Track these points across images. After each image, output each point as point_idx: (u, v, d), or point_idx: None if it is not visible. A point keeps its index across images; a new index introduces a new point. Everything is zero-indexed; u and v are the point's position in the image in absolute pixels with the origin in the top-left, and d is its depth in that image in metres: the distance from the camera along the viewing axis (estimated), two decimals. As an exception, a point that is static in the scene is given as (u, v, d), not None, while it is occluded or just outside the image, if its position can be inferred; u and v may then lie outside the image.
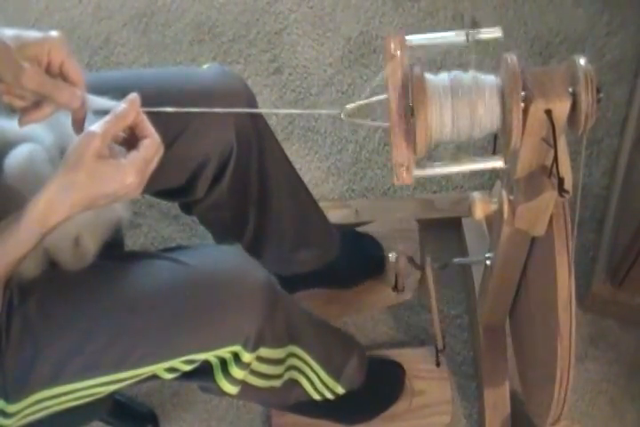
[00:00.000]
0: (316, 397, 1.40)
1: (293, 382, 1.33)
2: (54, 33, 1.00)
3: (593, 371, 1.62)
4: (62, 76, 1.00)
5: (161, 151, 1.00)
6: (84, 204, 0.96)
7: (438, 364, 1.55)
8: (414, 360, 1.59)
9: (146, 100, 1.03)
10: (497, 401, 1.54)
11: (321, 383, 1.37)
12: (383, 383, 1.53)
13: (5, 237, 0.96)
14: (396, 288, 1.58)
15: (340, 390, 1.41)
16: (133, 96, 0.98)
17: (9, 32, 1.00)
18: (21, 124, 1.02)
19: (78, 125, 1.02)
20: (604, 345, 1.65)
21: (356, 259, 1.62)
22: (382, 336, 1.68)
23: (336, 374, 1.39)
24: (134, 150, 0.98)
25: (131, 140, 0.99)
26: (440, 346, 1.49)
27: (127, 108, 0.97)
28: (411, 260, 1.48)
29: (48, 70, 1.00)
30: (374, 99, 1.03)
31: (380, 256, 1.63)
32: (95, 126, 0.95)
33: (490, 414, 1.53)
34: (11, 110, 1.07)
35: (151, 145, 0.99)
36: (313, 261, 1.55)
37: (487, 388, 1.54)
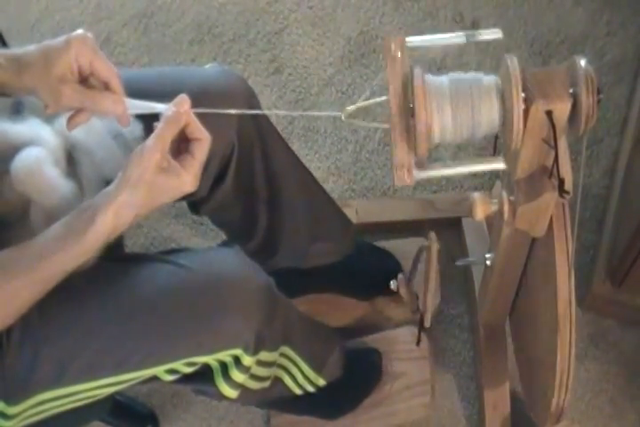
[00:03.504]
0: (298, 391, 1.39)
1: (276, 379, 1.33)
2: (76, 33, 1.00)
3: (593, 371, 1.62)
4: (95, 75, 1.01)
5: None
6: (146, 213, 1.00)
7: (418, 342, 1.52)
8: (393, 342, 1.57)
9: (146, 100, 1.03)
10: (497, 401, 1.53)
11: (303, 378, 1.37)
12: (360, 372, 1.51)
13: (70, 245, 0.98)
14: (416, 311, 1.55)
15: (322, 382, 1.40)
16: (182, 98, 0.99)
17: (34, 50, 1.00)
18: (70, 128, 1.03)
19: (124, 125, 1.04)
20: (604, 345, 1.65)
21: (374, 272, 1.60)
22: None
23: (319, 368, 1.39)
24: (189, 155, 0.99)
25: (179, 140, 1.00)
26: (427, 324, 1.43)
27: (177, 111, 0.98)
28: (408, 283, 1.46)
29: (81, 76, 1.01)
30: (375, 100, 1.03)
31: (397, 273, 1.61)
32: (151, 140, 0.96)
33: (490, 414, 1.53)
34: (14, 114, 1.08)
35: (205, 147, 1.00)
36: (330, 254, 1.54)
37: (487, 388, 1.54)
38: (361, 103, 1.05)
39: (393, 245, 1.65)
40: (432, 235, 1.28)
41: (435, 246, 1.28)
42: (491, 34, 1.04)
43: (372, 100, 1.05)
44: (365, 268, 1.59)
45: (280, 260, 1.48)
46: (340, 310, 1.62)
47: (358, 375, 1.51)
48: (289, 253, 1.49)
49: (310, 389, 1.40)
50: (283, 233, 1.46)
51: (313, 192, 1.48)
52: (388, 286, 1.58)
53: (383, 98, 1.02)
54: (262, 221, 1.42)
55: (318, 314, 1.48)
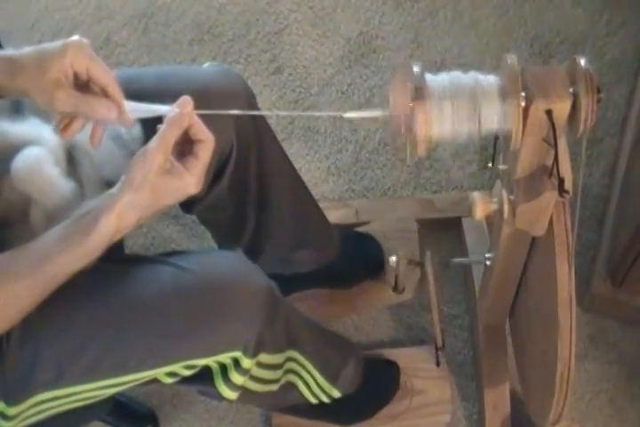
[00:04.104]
0: (313, 400, 1.39)
1: (290, 386, 1.33)
2: (72, 40, 1.00)
3: (593, 371, 1.62)
4: (92, 81, 1.00)
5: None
6: (149, 215, 0.99)
7: (438, 363, 1.55)
8: (414, 360, 1.58)
9: (145, 99, 1.03)
10: (497, 401, 1.53)
11: (317, 387, 1.37)
12: (377, 383, 1.52)
13: (72, 247, 0.98)
14: (396, 289, 1.57)
15: (337, 393, 1.40)
16: (185, 99, 0.98)
17: (29, 52, 0.99)
18: (64, 137, 1.04)
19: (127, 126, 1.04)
20: (604, 345, 1.65)
21: (356, 259, 1.61)
22: (382, 336, 1.68)
23: (333, 379, 1.38)
24: (192, 157, 0.99)
25: (183, 141, 0.99)
26: (439, 344, 1.48)
27: (181, 113, 0.97)
28: (410, 262, 1.47)
29: (77, 82, 1.00)
30: (375, 113, 1.02)
31: (380, 256, 1.63)
32: (154, 141, 0.96)
33: (490, 414, 1.53)
34: (15, 113, 1.08)
35: (208, 149, 1.00)
36: (312, 261, 1.55)
37: (487, 388, 1.54)
38: (363, 113, 1.04)
39: (373, 227, 1.66)
40: (427, 255, 1.31)
41: (429, 268, 1.31)
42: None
43: (371, 112, 1.03)
44: (348, 256, 1.59)
45: (262, 265, 1.48)
46: (329, 302, 1.64)
47: (374, 385, 1.51)
48: (271, 259, 1.49)
49: (325, 399, 1.40)
50: (268, 238, 1.45)
51: (301, 198, 1.48)
52: (373, 270, 1.59)
53: (381, 112, 1.01)
54: (251, 224, 1.42)
55: (311, 310, 1.48)
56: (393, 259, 1.47)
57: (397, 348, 1.62)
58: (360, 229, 1.68)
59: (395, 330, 1.68)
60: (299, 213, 1.47)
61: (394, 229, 1.55)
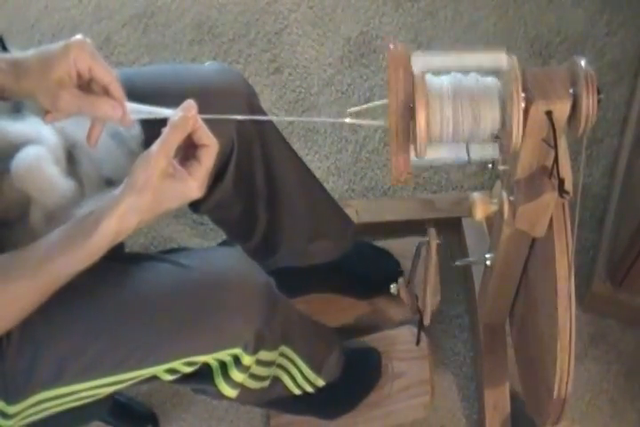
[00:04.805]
0: (297, 391, 1.39)
1: (276, 380, 1.33)
2: (74, 39, 1.00)
3: (593, 371, 1.62)
4: (94, 80, 1.01)
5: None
6: (151, 219, 0.99)
7: (418, 342, 1.52)
8: (393, 341, 1.57)
9: (146, 98, 1.03)
10: (497, 401, 1.53)
11: (302, 378, 1.37)
12: (359, 372, 1.51)
13: (74, 249, 0.98)
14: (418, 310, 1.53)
15: (321, 382, 1.40)
16: (189, 103, 0.98)
17: (33, 54, 1.00)
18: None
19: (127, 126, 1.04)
20: (604, 345, 1.65)
21: (373, 272, 1.60)
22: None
23: (318, 369, 1.39)
24: (196, 162, 0.99)
25: (187, 145, 0.99)
26: (427, 322, 1.43)
27: (185, 116, 0.97)
28: (411, 291, 1.45)
29: (80, 81, 1.00)
30: (377, 103, 1.03)
31: (397, 272, 1.61)
32: (156, 145, 0.96)
33: (490, 414, 1.53)
34: (15, 113, 1.08)
35: (212, 154, 0.99)
36: (329, 252, 1.54)
37: (487, 388, 1.54)
38: (364, 106, 1.04)
39: (392, 245, 1.65)
40: (431, 231, 1.27)
41: (434, 242, 1.27)
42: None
43: (374, 103, 1.04)
44: (365, 267, 1.59)
45: (279, 259, 1.48)
46: (340, 309, 1.62)
47: (357, 375, 1.51)
48: (288, 252, 1.49)
49: (309, 389, 1.40)
50: (282, 232, 1.46)
51: (312, 190, 1.48)
52: (388, 285, 1.58)
53: (385, 101, 1.02)
54: (262, 220, 1.42)
55: (318, 313, 1.48)
56: (394, 287, 1.45)
57: (375, 332, 1.60)
58: (378, 243, 1.66)
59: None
60: (311, 204, 1.47)
61: (413, 250, 1.52)
